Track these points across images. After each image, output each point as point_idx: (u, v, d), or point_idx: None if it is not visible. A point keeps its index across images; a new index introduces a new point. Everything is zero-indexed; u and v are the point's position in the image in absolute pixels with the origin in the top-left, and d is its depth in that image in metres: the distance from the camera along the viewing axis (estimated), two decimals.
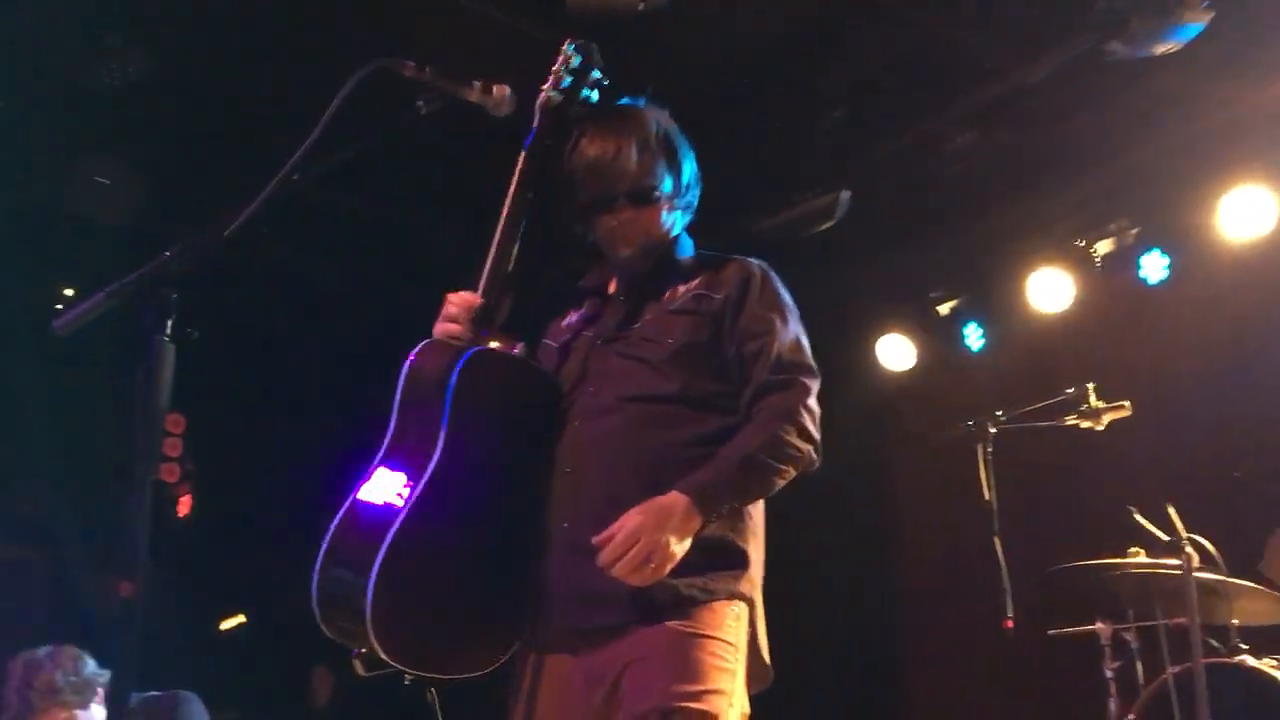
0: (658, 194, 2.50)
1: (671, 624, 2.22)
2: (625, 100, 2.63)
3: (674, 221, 2.55)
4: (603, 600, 2.24)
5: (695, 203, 2.61)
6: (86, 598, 5.98)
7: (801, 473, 2.35)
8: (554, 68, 2.54)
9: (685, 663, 2.20)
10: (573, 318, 2.63)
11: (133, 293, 1.85)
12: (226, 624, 8.44)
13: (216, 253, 1.98)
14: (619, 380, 2.40)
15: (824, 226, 5.32)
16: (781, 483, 2.33)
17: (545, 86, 2.52)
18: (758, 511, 2.42)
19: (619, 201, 2.47)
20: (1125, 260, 5.41)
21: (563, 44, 2.55)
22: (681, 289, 2.49)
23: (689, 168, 2.58)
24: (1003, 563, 4.11)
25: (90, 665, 3.52)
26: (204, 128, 4.95)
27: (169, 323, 1.87)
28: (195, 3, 4.37)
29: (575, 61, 2.54)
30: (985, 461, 4.27)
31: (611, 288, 2.61)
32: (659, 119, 2.57)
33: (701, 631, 2.24)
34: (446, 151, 4.81)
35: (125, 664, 1.74)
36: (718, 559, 2.29)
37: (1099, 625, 4.06)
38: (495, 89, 2.39)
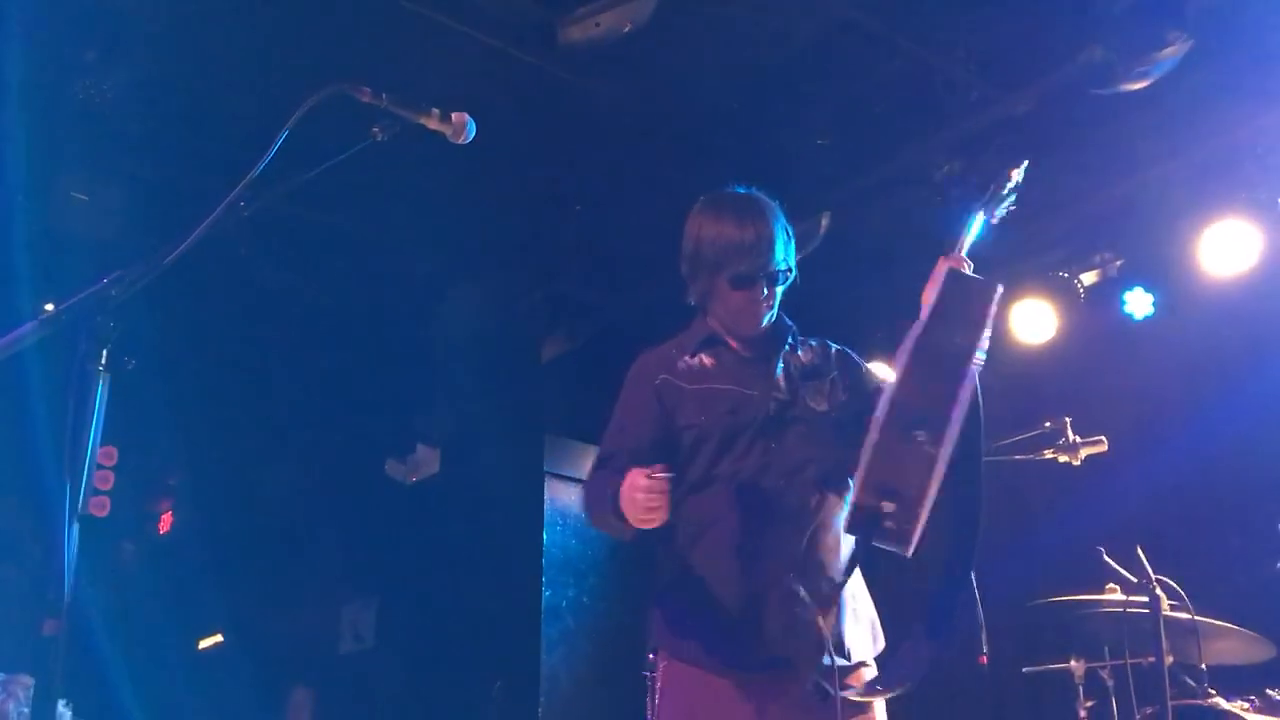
0: (791, 277, 2.75)
1: None
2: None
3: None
4: None
5: None
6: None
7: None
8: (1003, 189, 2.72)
9: None
10: (703, 363, 2.77)
11: (66, 321, 1.81)
12: (205, 643, 8.38)
13: (155, 280, 1.94)
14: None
15: (807, 251, 5.29)
16: None
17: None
18: None
19: (759, 281, 2.69)
20: (1109, 293, 5.38)
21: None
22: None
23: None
24: (977, 597, 4.05)
25: None
26: (184, 143, 4.94)
27: (104, 352, 1.83)
28: (174, 20, 4.36)
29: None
30: None
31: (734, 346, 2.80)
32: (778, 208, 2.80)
33: None
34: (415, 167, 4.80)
35: (45, 705, 1.68)
36: None
37: (1073, 663, 4.01)
38: (454, 116, 2.36)
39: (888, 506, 2.27)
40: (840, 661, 2.55)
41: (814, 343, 2.85)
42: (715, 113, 5.10)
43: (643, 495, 2.43)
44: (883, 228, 5.72)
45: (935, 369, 2.37)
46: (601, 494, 2.57)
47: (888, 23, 4.57)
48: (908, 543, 2.29)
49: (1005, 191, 2.73)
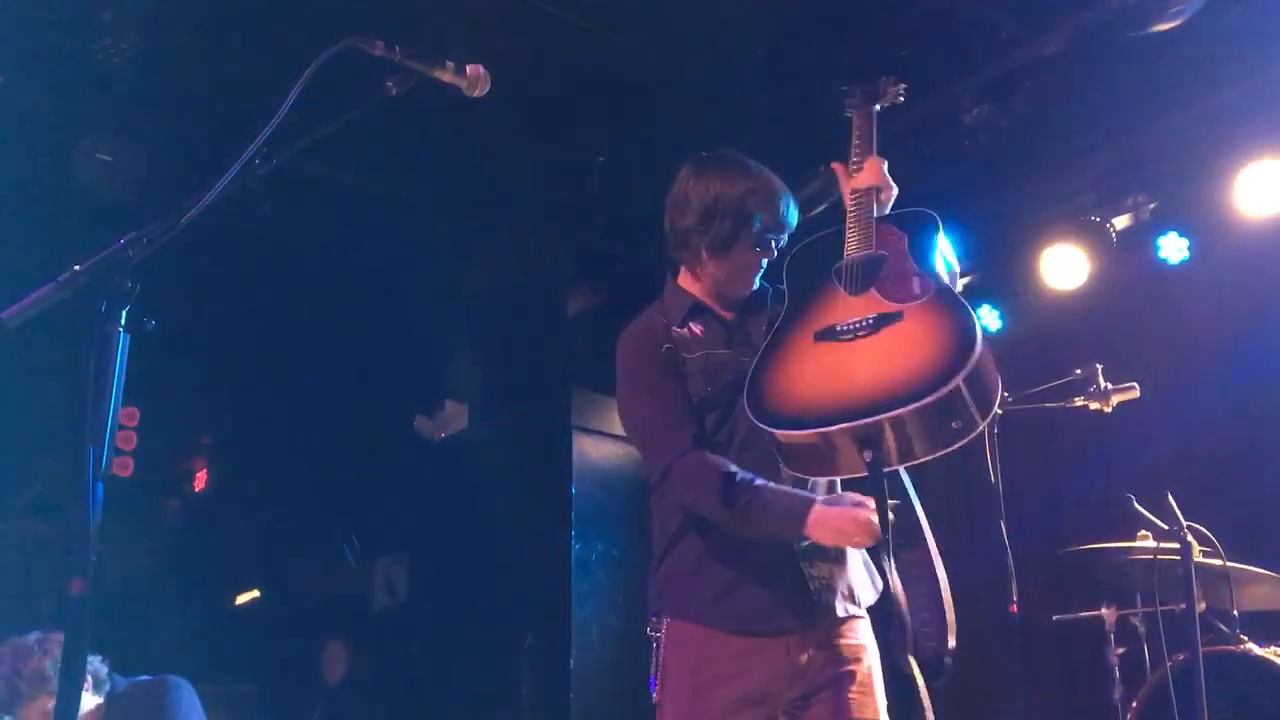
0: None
1: None
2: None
3: None
4: None
5: None
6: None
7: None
8: None
9: None
10: (693, 332, 2.73)
11: (86, 282, 1.81)
12: (241, 598, 8.51)
13: (178, 239, 1.93)
14: None
15: (824, 205, 5.25)
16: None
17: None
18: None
19: (782, 235, 2.71)
20: (1142, 237, 5.29)
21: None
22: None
23: None
24: (1008, 546, 4.03)
25: None
26: (202, 102, 4.93)
27: (123, 312, 1.83)
28: None
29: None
30: (991, 443, 4.20)
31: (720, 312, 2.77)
32: None
33: None
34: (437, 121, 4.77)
35: (74, 662, 1.69)
36: None
37: (1104, 611, 4.00)
38: (469, 69, 2.33)
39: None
40: (853, 610, 2.59)
41: (777, 290, 2.79)
42: (738, 62, 5.03)
43: (867, 522, 2.38)
44: (909, 175, 5.64)
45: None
46: (763, 499, 2.47)
47: None
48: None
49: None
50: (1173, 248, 5.16)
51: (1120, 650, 3.99)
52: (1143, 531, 3.82)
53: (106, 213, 4.91)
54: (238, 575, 8.53)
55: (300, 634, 7.71)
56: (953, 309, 2.43)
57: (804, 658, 2.52)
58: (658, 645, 2.63)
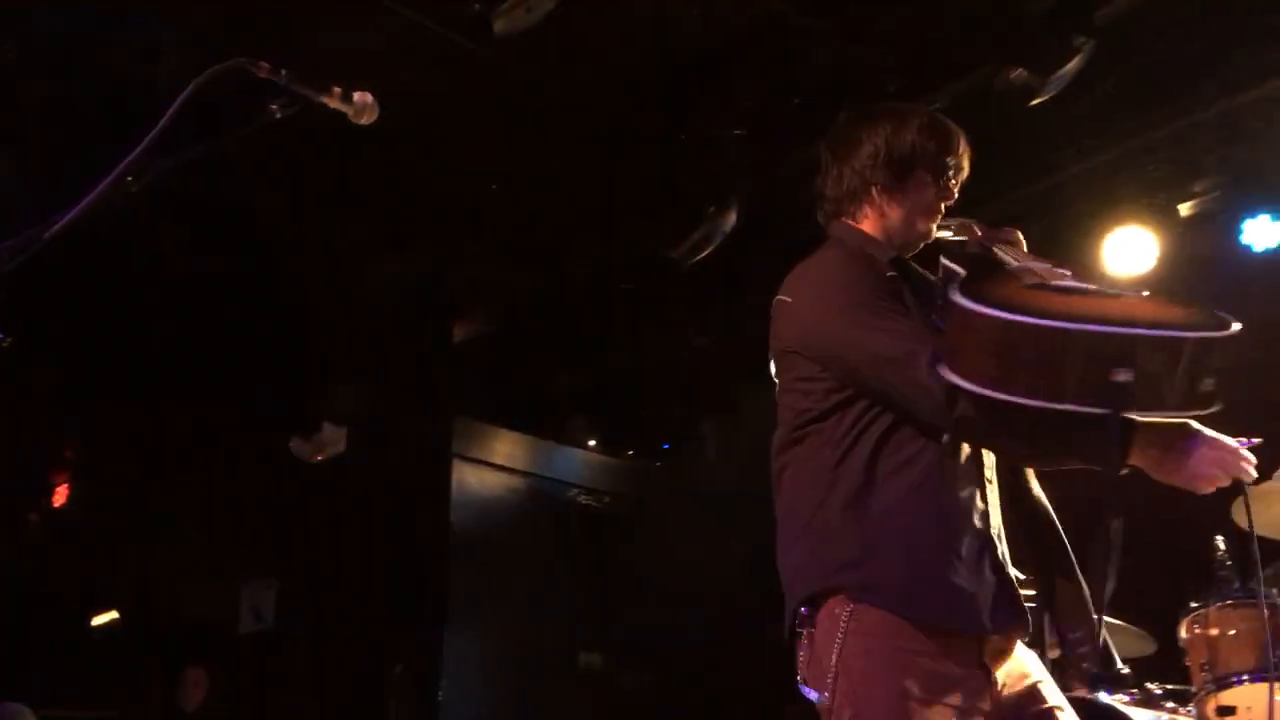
0: None
1: None
2: None
3: None
4: None
5: None
6: None
7: None
8: None
9: None
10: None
11: None
12: (99, 619, 8.18)
13: (37, 254, 1.85)
14: None
15: (714, 243, 5.32)
16: None
17: None
18: None
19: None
20: (1224, 220, 4.93)
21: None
22: None
23: None
24: None
25: None
26: (90, 112, 4.77)
27: None
28: None
29: None
30: None
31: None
32: None
33: None
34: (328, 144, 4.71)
35: None
36: None
37: None
38: (356, 96, 2.28)
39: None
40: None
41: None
42: (637, 97, 5.07)
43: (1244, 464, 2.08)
44: (794, 220, 5.75)
45: None
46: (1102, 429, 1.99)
47: (813, 14, 4.59)
48: None
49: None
50: (1261, 233, 4.83)
51: None
52: None
53: None
54: (96, 595, 8.20)
55: (160, 658, 7.44)
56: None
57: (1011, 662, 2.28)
58: (834, 634, 2.16)
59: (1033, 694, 2.24)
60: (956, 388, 2.03)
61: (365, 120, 2.32)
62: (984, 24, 4.55)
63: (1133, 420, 2.01)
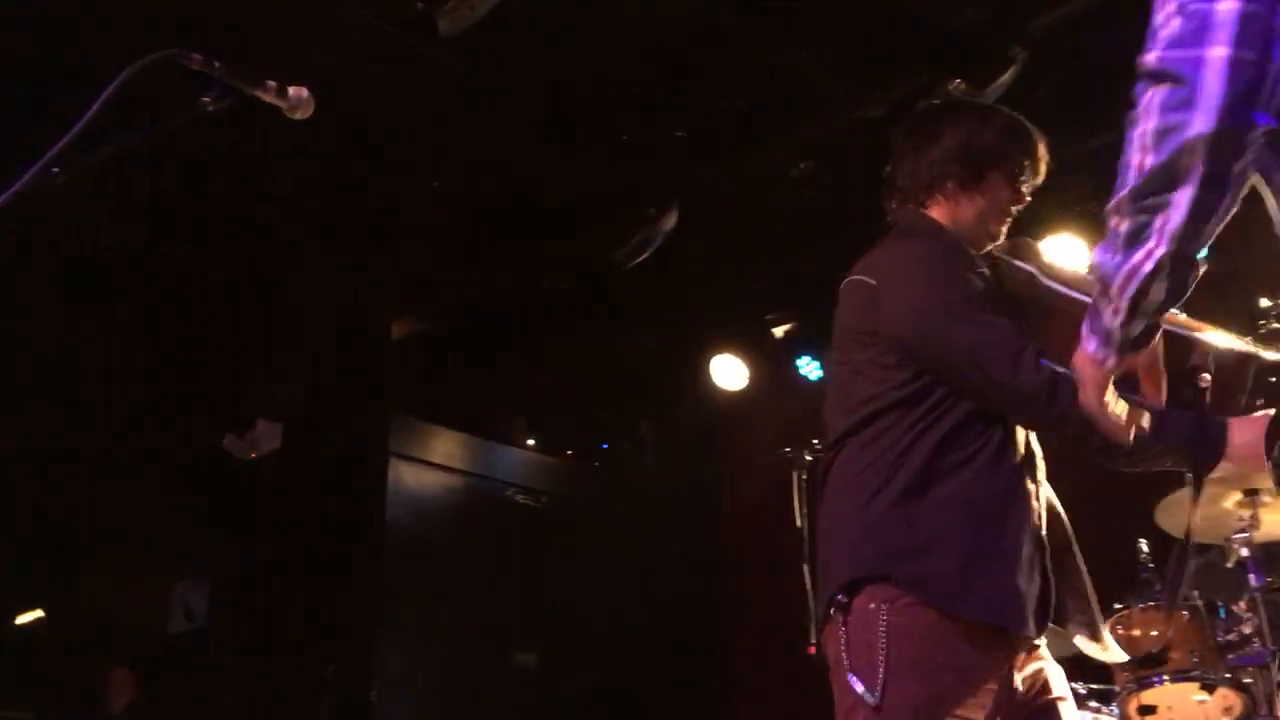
0: None
1: None
2: None
3: None
4: None
5: None
6: None
7: None
8: None
9: None
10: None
11: None
12: (23, 619, 8.01)
13: None
14: None
15: (651, 248, 5.35)
16: None
17: None
18: None
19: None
20: None
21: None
22: None
23: None
24: (809, 588, 4.14)
25: None
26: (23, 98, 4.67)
27: None
28: None
29: None
30: (799, 488, 4.32)
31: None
32: None
33: None
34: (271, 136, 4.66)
35: None
36: None
37: None
38: (291, 91, 2.26)
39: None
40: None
41: None
42: (578, 98, 5.07)
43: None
44: (740, 224, 5.79)
45: None
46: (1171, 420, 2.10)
47: (752, 19, 4.62)
48: None
49: None
50: None
51: None
52: None
53: None
54: (20, 593, 8.02)
55: (86, 658, 7.30)
56: None
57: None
58: (872, 625, 2.14)
59: (1043, 684, 2.29)
60: (1057, 383, 2.07)
61: (300, 115, 2.30)
62: (922, 35, 4.61)
63: (1224, 419, 2.09)
